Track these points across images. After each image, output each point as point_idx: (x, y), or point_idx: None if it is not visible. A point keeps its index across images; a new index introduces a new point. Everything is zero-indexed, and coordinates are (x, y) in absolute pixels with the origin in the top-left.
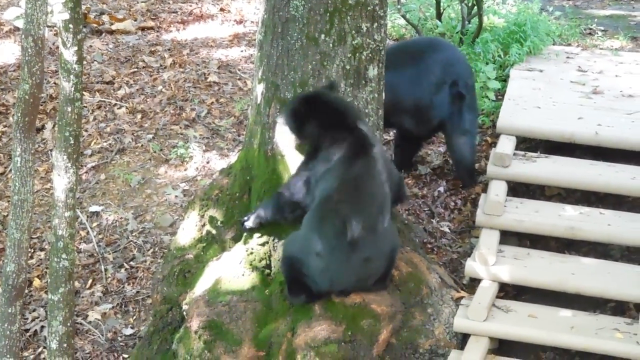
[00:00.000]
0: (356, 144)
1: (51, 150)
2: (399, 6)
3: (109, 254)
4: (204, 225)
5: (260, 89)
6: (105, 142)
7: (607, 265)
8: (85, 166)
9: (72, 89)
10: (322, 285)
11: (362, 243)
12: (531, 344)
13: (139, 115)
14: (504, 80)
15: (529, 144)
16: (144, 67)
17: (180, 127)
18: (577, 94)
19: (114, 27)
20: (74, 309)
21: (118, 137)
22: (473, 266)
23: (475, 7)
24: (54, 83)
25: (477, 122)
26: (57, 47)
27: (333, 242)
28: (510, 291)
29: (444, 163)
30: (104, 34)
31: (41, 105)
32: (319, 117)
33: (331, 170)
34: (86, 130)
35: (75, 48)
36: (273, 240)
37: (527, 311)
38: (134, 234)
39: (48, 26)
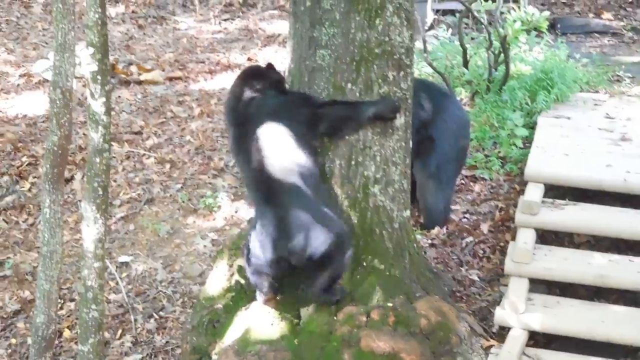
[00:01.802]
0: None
1: (80, 200)
2: (425, 54)
3: (139, 304)
4: (232, 275)
5: None
6: (134, 192)
7: (637, 313)
8: (114, 216)
9: (101, 139)
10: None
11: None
12: None
13: (168, 165)
14: (532, 127)
15: (557, 191)
16: (172, 117)
17: (209, 177)
18: (605, 141)
19: (142, 78)
20: None
21: (147, 187)
22: (502, 314)
23: (502, 55)
24: (83, 134)
25: (451, 171)
26: (86, 98)
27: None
28: (540, 340)
29: (471, 211)
30: (132, 85)
31: (70, 156)
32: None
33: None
34: (115, 181)
35: (104, 99)
36: (302, 289)
37: None
38: (163, 284)
39: (76, 77)
